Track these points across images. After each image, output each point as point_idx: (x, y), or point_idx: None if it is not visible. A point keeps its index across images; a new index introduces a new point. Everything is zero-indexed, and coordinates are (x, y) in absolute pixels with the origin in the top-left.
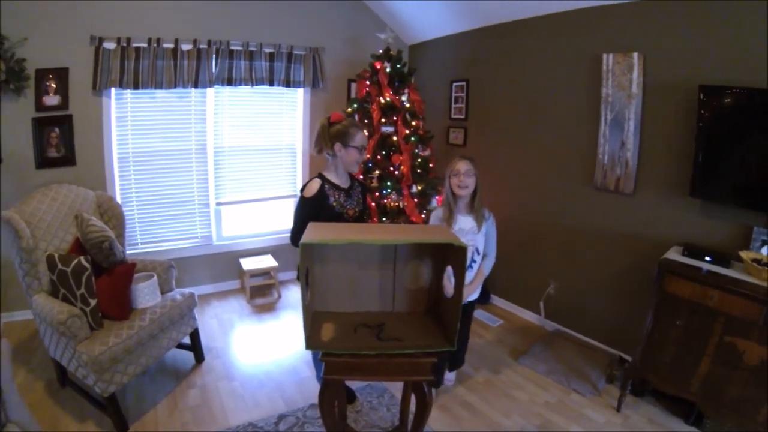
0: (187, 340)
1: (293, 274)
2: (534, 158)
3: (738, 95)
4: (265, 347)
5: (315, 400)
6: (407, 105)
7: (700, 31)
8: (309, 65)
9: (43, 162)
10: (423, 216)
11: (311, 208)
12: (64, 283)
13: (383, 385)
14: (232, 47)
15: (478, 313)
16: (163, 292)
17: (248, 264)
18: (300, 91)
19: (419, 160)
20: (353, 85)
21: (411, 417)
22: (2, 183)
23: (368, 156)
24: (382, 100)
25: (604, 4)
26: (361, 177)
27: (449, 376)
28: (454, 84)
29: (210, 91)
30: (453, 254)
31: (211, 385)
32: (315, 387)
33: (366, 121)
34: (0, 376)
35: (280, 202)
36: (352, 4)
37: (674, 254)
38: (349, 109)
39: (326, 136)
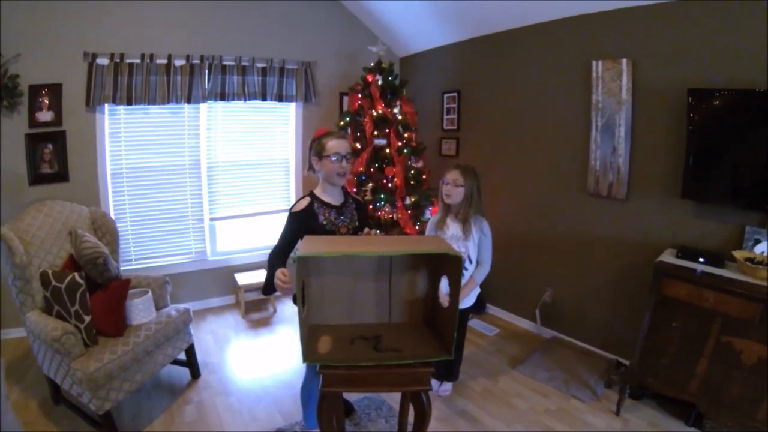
0: (182, 356)
1: None
2: (527, 166)
3: (726, 97)
4: (261, 362)
5: None
6: (399, 117)
7: (687, 35)
8: (301, 79)
9: (37, 178)
10: (417, 228)
11: (295, 223)
12: (58, 300)
13: (381, 397)
14: (224, 62)
15: (475, 323)
16: (158, 308)
17: (243, 279)
18: (292, 105)
19: (412, 171)
20: (345, 99)
21: (409, 428)
22: None
23: (361, 169)
24: (375, 113)
25: (593, 12)
26: (354, 190)
27: (445, 387)
28: (446, 95)
29: (203, 107)
30: (448, 264)
31: (207, 401)
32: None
33: (359, 134)
34: None
35: (274, 216)
36: (343, 18)
37: (668, 257)
38: (342, 123)
39: (308, 153)
